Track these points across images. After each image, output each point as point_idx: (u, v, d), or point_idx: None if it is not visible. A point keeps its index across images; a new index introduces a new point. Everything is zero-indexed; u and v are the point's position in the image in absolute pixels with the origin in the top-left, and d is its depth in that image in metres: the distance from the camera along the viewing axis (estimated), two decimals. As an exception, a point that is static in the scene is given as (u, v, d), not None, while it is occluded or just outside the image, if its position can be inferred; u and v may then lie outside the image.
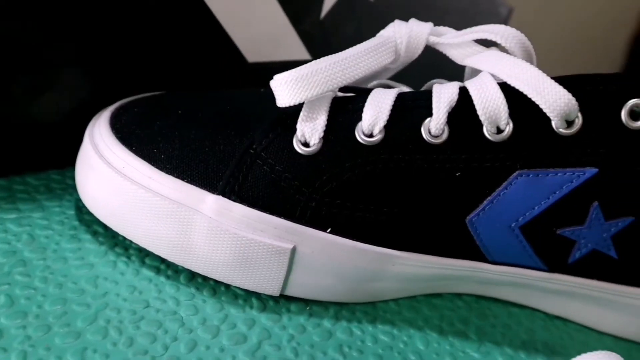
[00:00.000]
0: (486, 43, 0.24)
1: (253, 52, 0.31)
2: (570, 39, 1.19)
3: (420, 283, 0.24)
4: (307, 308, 0.24)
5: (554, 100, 0.21)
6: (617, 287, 0.24)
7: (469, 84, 0.22)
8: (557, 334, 0.26)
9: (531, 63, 0.23)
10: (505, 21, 0.41)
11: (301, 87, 0.21)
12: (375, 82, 0.26)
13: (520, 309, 0.27)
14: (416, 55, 0.24)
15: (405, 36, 0.24)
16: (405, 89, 0.25)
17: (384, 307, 0.25)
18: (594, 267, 0.24)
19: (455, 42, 0.24)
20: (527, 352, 0.25)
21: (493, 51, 0.23)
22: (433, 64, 0.29)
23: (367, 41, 0.23)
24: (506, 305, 0.27)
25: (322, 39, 0.33)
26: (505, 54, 0.23)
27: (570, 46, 1.20)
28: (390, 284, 0.24)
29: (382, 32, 0.25)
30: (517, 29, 0.23)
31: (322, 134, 0.22)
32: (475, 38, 0.23)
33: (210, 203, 0.22)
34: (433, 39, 0.24)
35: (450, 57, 0.24)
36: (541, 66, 0.22)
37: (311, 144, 0.22)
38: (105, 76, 0.27)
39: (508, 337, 0.25)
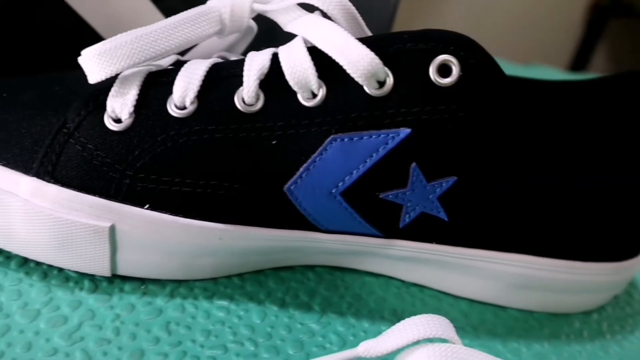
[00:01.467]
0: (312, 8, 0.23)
1: (111, 31, 0.30)
2: (527, 8, 1.18)
3: (257, 257, 0.24)
4: (142, 287, 0.23)
5: (357, 61, 0.20)
6: (456, 250, 0.24)
7: (280, 50, 0.22)
8: (409, 301, 0.26)
9: (357, 26, 0.23)
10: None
11: (105, 61, 0.21)
12: (215, 55, 0.26)
13: (376, 278, 0.26)
14: (244, 25, 0.24)
15: (228, 5, 0.23)
16: (235, 58, 0.24)
17: (226, 283, 0.24)
18: (428, 230, 0.23)
19: (279, 8, 0.23)
20: (372, 320, 0.24)
21: (310, 16, 0.22)
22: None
23: (187, 11, 0.23)
24: (362, 275, 0.26)
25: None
26: (319, 17, 0.22)
27: (528, 15, 1.19)
28: (224, 259, 0.23)
29: (209, 1, 0.24)
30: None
31: (132, 109, 0.21)
32: (297, 2, 0.23)
33: (25, 185, 0.21)
34: (258, 6, 0.23)
35: (279, 23, 0.24)
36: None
37: (122, 119, 0.21)
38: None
39: (355, 307, 0.25)
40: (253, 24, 0.26)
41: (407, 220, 0.23)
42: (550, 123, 0.28)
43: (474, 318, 0.25)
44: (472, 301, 0.26)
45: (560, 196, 0.23)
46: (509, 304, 0.26)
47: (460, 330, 0.25)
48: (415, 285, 0.27)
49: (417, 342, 0.21)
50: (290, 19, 0.23)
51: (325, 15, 0.23)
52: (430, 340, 0.21)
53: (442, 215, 0.23)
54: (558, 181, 0.23)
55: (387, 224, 0.23)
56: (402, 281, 0.27)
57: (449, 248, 0.24)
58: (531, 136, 0.22)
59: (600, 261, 0.25)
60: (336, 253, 0.25)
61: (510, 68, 0.61)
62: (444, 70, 0.21)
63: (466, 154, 0.21)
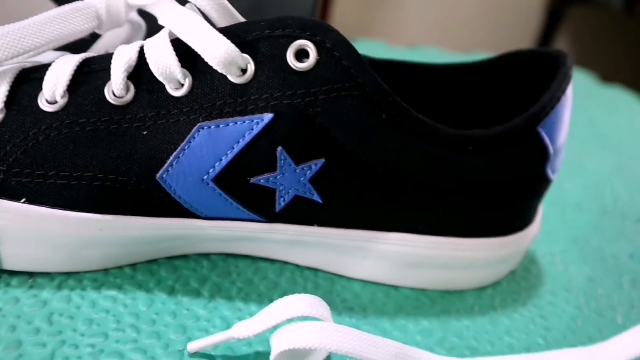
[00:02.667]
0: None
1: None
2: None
3: (145, 246, 0.24)
4: (30, 280, 0.24)
5: (214, 50, 0.21)
6: (337, 232, 0.24)
7: (145, 43, 0.22)
8: (302, 285, 0.26)
9: (230, 17, 0.23)
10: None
11: (-30, 59, 0.21)
12: (103, 52, 0.26)
13: (270, 264, 0.27)
14: (122, 20, 0.24)
15: (104, 0, 0.24)
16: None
17: (117, 273, 0.25)
18: (305, 213, 0.24)
19: (153, 2, 0.23)
20: (260, 304, 0.25)
21: (178, 8, 0.23)
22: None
23: (61, 7, 0.23)
24: (256, 261, 0.27)
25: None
26: (183, 9, 0.22)
27: (489, 5, 1.20)
28: (110, 250, 0.24)
29: (89, -3, 0.24)
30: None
31: (2, 105, 0.22)
32: (169, -5, 0.23)
33: None
34: (134, 1, 0.24)
35: (156, 16, 0.24)
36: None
37: (-7, 115, 0.22)
38: None
39: (245, 291, 0.25)
40: (140, 19, 0.27)
41: (282, 204, 0.23)
42: (417, 104, 0.29)
43: (364, 298, 0.26)
44: (365, 282, 0.27)
45: (435, 176, 0.24)
46: (401, 283, 0.27)
47: (349, 310, 0.25)
48: (309, 268, 0.27)
49: (289, 321, 0.21)
50: (162, 12, 0.23)
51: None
52: (303, 319, 0.22)
53: (316, 197, 0.23)
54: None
55: (263, 209, 0.23)
56: (297, 265, 0.27)
57: (330, 230, 0.25)
58: (397, 118, 0.22)
59: (481, 237, 0.25)
60: (224, 240, 0.25)
61: (449, 56, 0.62)
62: (302, 55, 0.21)
63: (330, 136, 0.22)
